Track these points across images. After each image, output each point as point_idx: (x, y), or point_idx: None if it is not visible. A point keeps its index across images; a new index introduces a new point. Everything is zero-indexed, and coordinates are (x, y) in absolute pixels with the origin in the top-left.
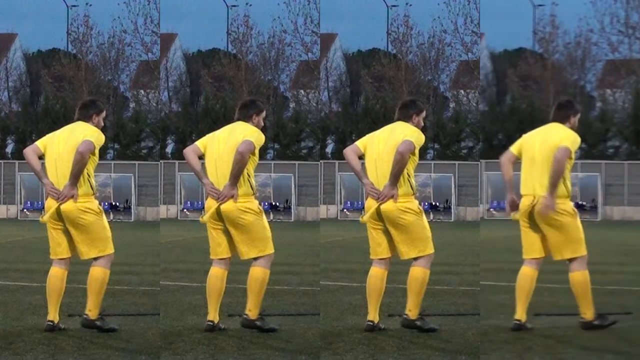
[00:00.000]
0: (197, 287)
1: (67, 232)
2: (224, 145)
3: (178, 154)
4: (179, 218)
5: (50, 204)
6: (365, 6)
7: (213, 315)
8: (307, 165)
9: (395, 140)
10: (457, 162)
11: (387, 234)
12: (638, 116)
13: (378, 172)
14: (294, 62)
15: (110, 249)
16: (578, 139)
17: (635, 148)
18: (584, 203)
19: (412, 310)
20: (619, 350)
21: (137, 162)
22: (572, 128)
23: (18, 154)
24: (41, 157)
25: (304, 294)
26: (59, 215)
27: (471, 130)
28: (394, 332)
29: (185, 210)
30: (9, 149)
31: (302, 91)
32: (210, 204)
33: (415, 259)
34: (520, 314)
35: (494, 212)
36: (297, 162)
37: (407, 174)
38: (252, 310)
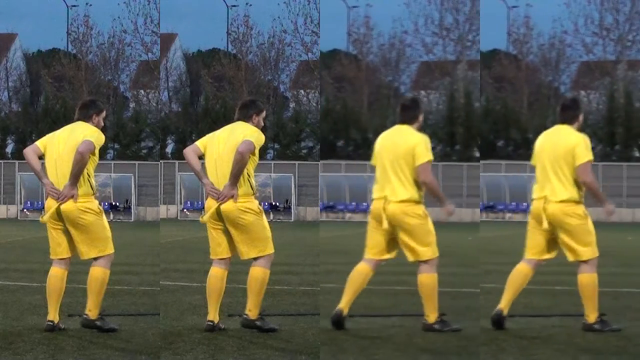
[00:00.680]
0: (197, 287)
1: (67, 232)
2: (224, 145)
3: (178, 154)
4: (179, 218)
5: (50, 204)
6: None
7: (213, 315)
8: (307, 165)
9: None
10: (297, 162)
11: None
12: (612, 118)
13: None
14: (294, 62)
15: (110, 249)
16: (588, 142)
17: (610, 149)
18: None
19: (252, 310)
20: (593, 350)
21: (137, 162)
22: (580, 126)
23: (18, 154)
24: (41, 157)
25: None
26: (59, 215)
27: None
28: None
29: (185, 210)
30: (9, 149)
31: (302, 91)
32: (210, 204)
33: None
34: (504, 305)
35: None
36: (297, 162)
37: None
38: (252, 310)
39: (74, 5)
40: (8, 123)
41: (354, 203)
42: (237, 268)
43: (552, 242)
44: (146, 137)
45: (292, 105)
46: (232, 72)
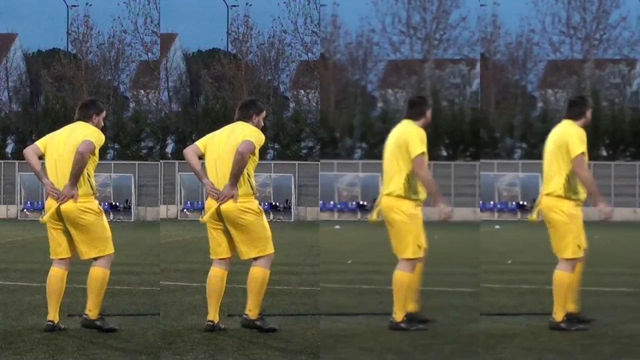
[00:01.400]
0: (197, 287)
1: (67, 232)
2: (224, 145)
3: (178, 154)
4: (179, 218)
5: (50, 204)
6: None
7: (213, 315)
8: (307, 165)
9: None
10: (297, 162)
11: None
12: None
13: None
14: (294, 62)
15: (110, 249)
16: (584, 136)
17: None
18: (525, 203)
19: (252, 310)
20: (559, 349)
21: (137, 162)
22: (586, 123)
23: (18, 154)
24: (41, 157)
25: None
26: (59, 215)
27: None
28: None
29: (185, 210)
30: (9, 149)
31: (302, 91)
32: (210, 204)
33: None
34: (561, 312)
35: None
36: (297, 162)
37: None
38: (252, 310)
39: (74, 5)
40: (8, 123)
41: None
42: (237, 268)
43: None
44: (146, 137)
45: (292, 105)
46: (232, 72)
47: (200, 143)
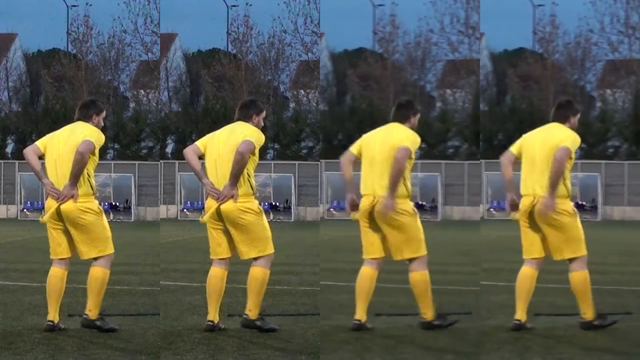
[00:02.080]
0: (197, 287)
1: (67, 232)
2: (224, 145)
3: (178, 154)
4: (179, 218)
5: (50, 204)
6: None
7: (213, 315)
8: (307, 165)
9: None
10: (297, 162)
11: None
12: (638, 116)
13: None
14: (294, 62)
15: (110, 249)
16: (578, 139)
17: (635, 148)
18: (584, 203)
19: (252, 310)
20: (618, 350)
21: (137, 162)
22: (572, 128)
23: (18, 154)
24: (41, 157)
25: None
26: (59, 215)
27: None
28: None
29: (185, 210)
30: (9, 149)
31: (302, 91)
32: (210, 204)
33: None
34: (520, 314)
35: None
36: (297, 162)
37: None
38: (252, 310)
39: (74, 5)
40: (8, 123)
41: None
42: (237, 268)
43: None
44: (146, 137)
45: (292, 105)
46: (232, 72)
47: (200, 143)
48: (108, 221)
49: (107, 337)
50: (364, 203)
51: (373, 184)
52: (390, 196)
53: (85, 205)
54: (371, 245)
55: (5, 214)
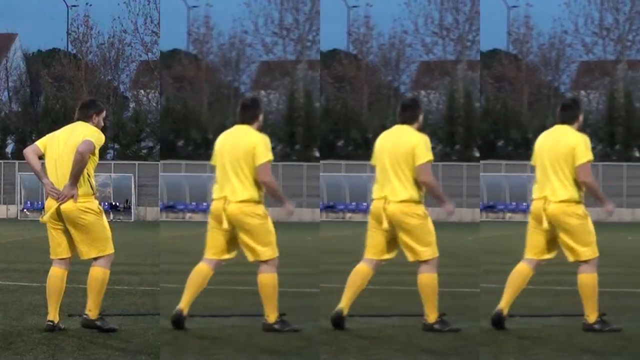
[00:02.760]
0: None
1: (67, 232)
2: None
3: (18, 154)
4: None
5: (50, 204)
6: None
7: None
8: (147, 165)
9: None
10: (137, 162)
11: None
12: (612, 117)
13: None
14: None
15: (110, 249)
16: (588, 141)
17: (610, 149)
18: None
19: (92, 310)
20: (594, 350)
21: (137, 162)
22: (580, 127)
23: (18, 154)
24: (41, 157)
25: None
26: (58, 215)
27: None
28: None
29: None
30: (9, 149)
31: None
32: (50, 204)
33: (95, 258)
34: (504, 305)
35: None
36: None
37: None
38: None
39: (74, 5)
40: (8, 123)
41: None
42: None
43: (552, 242)
44: (146, 137)
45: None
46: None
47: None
48: (108, 221)
49: (107, 337)
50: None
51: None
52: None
53: (85, 205)
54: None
55: (5, 214)
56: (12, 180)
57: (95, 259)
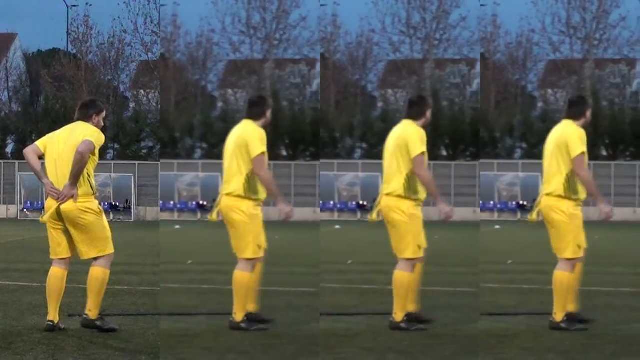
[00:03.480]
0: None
1: (67, 232)
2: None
3: (18, 154)
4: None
5: (50, 204)
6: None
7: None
8: (147, 165)
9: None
10: (137, 162)
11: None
12: None
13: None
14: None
15: (110, 249)
16: (584, 135)
17: None
18: (525, 203)
19: (92, 310)
20: (559, 349)
21: (137, 162)
22: (586, 123)
23: (18, 154)
24: (41, 157)
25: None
26: (58, 215)
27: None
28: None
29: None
30: (9, 149)
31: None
32: (50, 204)
33: (95, 259)
34: (561, 312)
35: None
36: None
37: (87, 174)
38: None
39: (74, 5)
40: (8, 123)
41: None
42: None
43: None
44: (146, 137)
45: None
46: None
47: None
48: (108, 221)
49: (107, 337)
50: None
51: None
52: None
53: (85, 205)
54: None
55: (5, 214)
56: (12, 180)
57: (95, 259)
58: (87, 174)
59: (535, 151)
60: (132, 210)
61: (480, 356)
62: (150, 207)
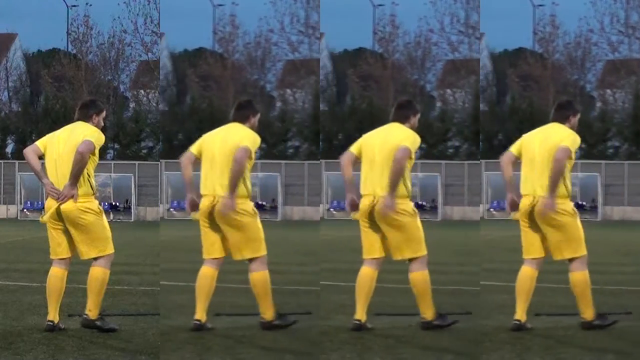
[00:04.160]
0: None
1: (67, 232)
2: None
3: (18, 154)
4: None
5: (50, 204)
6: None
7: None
8: (147, 165)
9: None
10: (137, 162)
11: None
12: (638, 116)
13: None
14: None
15: (110, 249)
16: (578, 139)
17: (635, 148)
18: (584, 203)
19: (92, 310)
20: (619, 349)
21: (137, 162)
22: (572, 128)
23: (18, 154)
24: (41, 157)
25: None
26: (58, 215)
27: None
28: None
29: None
30: (9, 149)
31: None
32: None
33: (95, 258)
34: (520, 314)
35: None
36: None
37: (87, 174)
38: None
39: (74, 5)
40: (8, 123)
41: None
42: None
43: (545, 239)
44: (146, 137)
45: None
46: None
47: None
48: (108, 221)
49: (107, 337)
50: (364, 203)
51: (373, 184)
52: (390, 196)
53: (85, 205)
54: (371, 245)
55: (5, 214)
56: (12, 180)
57: (95, 259)
58: (87, 174)
59: (594, 151)
60: (132, 210)
61: (482, 356)
62: (150, 207)
